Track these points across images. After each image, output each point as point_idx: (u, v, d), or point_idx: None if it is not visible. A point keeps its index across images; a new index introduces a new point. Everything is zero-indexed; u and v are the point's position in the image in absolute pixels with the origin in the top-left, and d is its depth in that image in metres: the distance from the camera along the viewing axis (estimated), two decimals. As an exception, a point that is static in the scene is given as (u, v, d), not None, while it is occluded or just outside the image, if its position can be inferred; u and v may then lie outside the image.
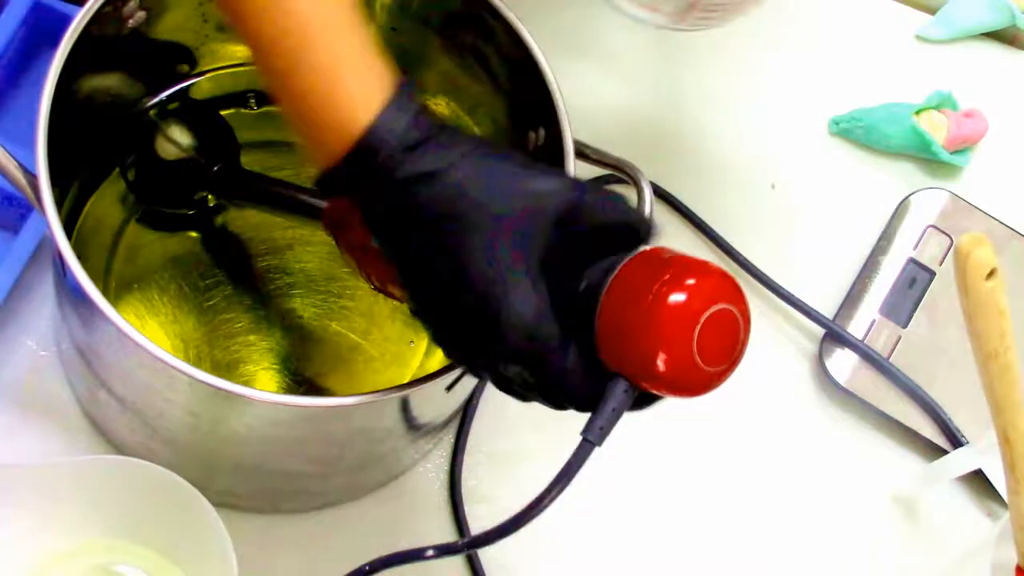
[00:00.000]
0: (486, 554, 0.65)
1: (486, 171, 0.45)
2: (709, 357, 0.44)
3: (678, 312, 0.44)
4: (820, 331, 0.74)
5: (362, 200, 0.46)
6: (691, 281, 0.44)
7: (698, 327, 0.44)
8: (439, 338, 0.48)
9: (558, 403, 0.47)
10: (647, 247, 0.47)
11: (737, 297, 0.46)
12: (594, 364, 0.46)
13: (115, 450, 0.64)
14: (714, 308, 0.44)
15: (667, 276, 0.44)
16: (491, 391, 0.68)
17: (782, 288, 0.74)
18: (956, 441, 0.71)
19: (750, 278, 0.75)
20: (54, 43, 0.54)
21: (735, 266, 0.75)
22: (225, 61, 0.67)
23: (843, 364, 0.73)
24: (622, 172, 0.59)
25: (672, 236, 0.75)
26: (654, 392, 0.46)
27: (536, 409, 0.69)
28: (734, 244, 0.75)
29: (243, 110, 0.68)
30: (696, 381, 0.45)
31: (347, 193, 0.46)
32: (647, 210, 0.58)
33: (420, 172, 0.45)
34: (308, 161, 0.47)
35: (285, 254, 0.66)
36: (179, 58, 0.65)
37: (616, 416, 0.45)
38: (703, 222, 0.76)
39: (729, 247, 0.75)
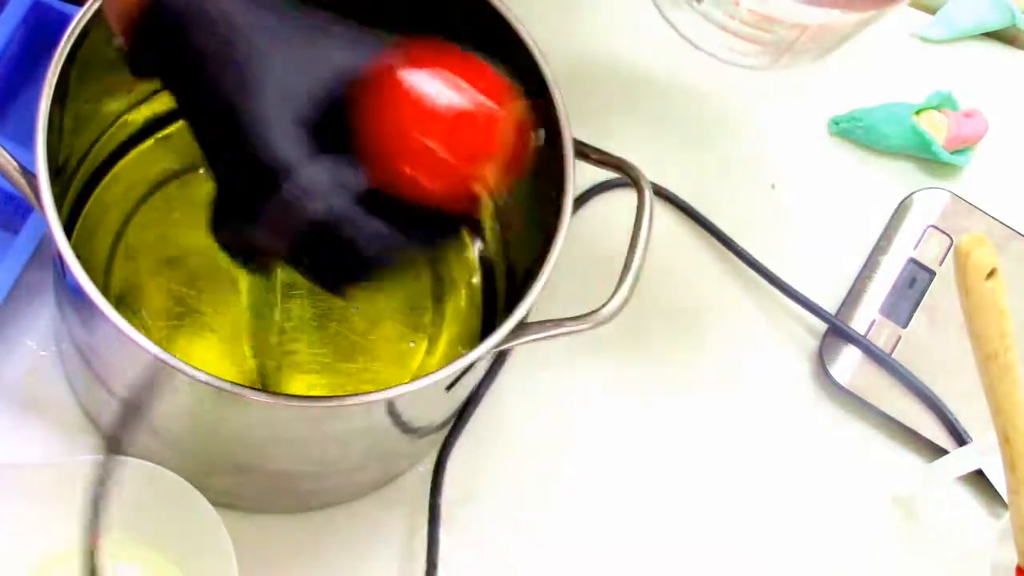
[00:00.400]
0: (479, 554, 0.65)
1: (281, 30, 0.44)
2: (459, 152, 0.42)
3: (417, 101, 0.42)
4: (820, 331, 0.74)
5: (158, 54, 0.46)
6: (436, 69, 0.42)
7: (440, 116, 0.41)
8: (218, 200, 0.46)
9: (354, 274, 0.45)
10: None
11: (497, 92, 0.43)
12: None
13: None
14: (462, 99, 0.42)
15: (410, 65, 0.42)
16: (493, 392, 0.68)
17: (787, 284, 0.74)
18: (960, 438, 0.71)
19: (754, 274, 0.75)
20: (54, 43, 0.54)
21: (734, 258, 0.75)
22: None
23: (844, 364, 0.73)
24: (622, 172, 0.59)
25: (668, 230, 0.75)
26: (411, 197, 0.44)
27: (536, 409, 0.69)
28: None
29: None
30: (444, 176, 0.43)
31: (148, 55, 0.46)
32: (647, 210, 0.58)
33: (206, 17, 0.44)
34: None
35: (285, 254, 0.66)
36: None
37: (329, 187, 0.43)
38: (699, 214, 0.75)
39: (730, 241, 0.75)
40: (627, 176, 0.59)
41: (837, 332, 0.73)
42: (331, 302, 0.65)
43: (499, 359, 0.69)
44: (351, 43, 0.46)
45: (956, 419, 0.71)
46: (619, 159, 0.60)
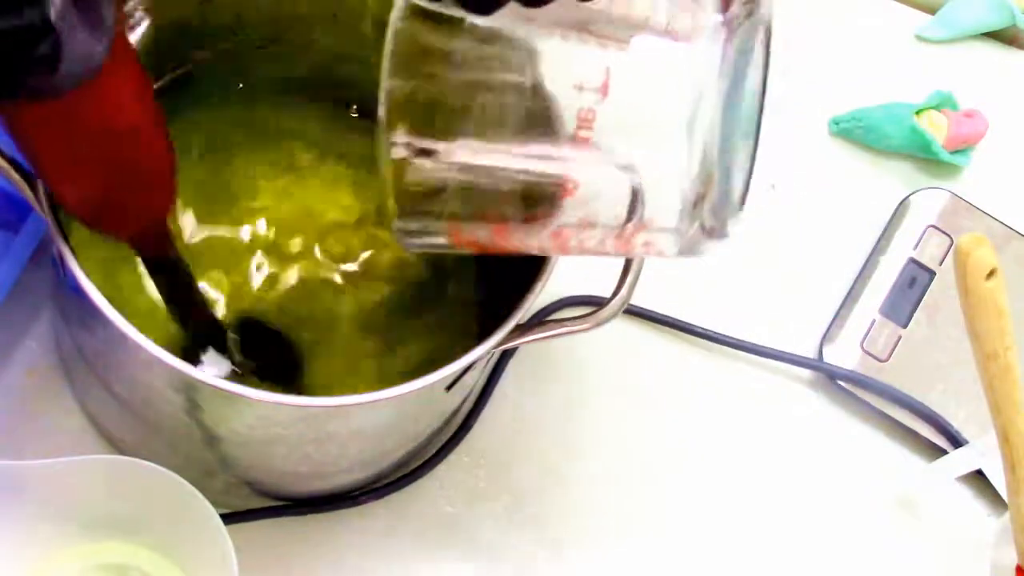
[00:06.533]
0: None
1: None
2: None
3: None
4: (820, 330, 0.74)
5: None
6: None
7: None
8: None
9: None
10: None
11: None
12: None
13: (115, 450, 0.64)
14: None
15: None
16: (496, 393, 0.68)
17: (761, 347, 0.73)
18: (956, 442, 0.71)
19: (755, 273, 0.75)
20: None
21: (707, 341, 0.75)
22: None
23: (843, 364, 0.73)
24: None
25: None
26: None
27: (536, 410, 0.69)
28: (731, 245, 0.75)
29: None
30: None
31: None
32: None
33: None
34: None
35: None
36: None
37: None
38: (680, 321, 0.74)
39: (694, 327, 0.73)
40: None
41: (833, 339, 0.73)
42: (330, 304, 0.66)
43: (501, 361, 0.69)
44: None
45: (953, 426, 0.71)
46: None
